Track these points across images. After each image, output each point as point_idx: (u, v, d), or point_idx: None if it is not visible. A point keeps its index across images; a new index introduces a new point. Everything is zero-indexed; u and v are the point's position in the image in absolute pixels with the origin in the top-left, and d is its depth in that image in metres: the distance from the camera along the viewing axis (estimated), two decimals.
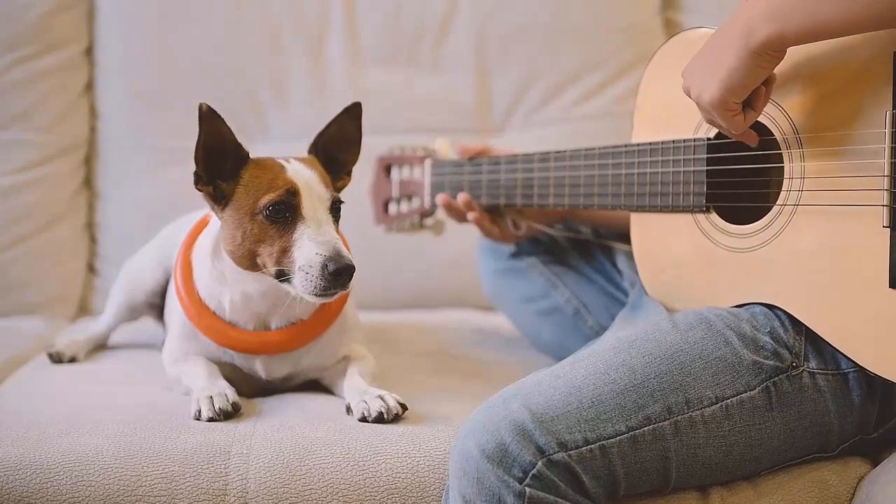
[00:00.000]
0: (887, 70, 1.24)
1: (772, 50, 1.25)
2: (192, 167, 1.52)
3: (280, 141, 2.41)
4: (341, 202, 1.55)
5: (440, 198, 1.88)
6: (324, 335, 1.63)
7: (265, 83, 2.44)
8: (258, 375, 1.63)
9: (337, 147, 1.61)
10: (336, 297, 1.49)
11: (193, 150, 1.50)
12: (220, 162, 1.51)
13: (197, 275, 1.62)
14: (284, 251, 1.48)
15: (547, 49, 2.46)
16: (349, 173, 1.64)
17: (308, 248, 1.46)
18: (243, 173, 1.52)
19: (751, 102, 1.31)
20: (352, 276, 1.46)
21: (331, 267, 1.44)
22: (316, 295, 1.47)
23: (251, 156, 1.55)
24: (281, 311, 1.58)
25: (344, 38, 2.45)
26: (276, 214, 1.49)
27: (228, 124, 1.51)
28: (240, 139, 1.53)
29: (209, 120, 1.48)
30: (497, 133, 2.48)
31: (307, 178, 1.52)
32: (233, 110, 2.42)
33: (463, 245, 2.24)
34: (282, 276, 1.49)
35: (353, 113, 1.61)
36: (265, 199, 1.49)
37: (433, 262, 2.40)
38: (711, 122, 1.37)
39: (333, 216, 1.53)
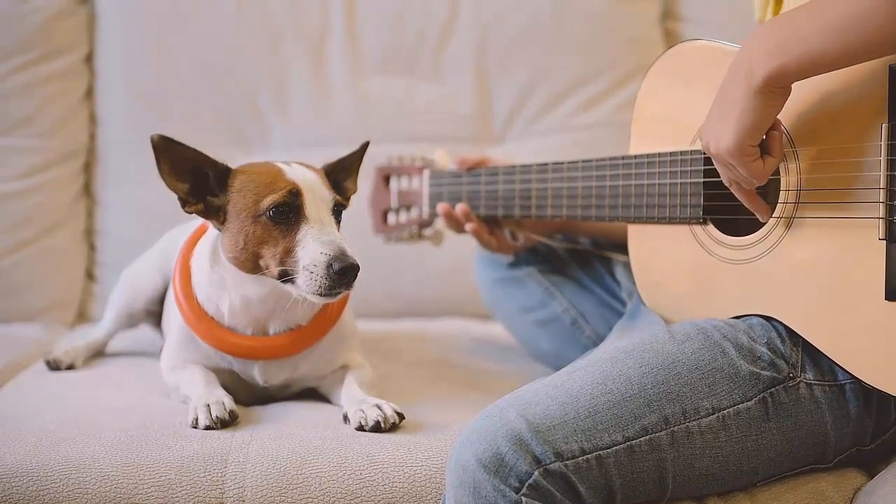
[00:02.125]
0: (883, 83, 1.25)
1: (775, 86, 1.25)
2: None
3: (281, 147, 2.41)
4: (343, 205, 1.56)
5: (440, 206, 1.88)
6: (322, 341, 1.63)
7: (265, 90, 2.44)
8: (256, 382, 1.63)
9: (344, 174, 1.65)
10: (339, 297, 1.50)
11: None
12: (201, 179, 1.52)
13: (196, 280, 1.62)
14: (288, 251, 1.48)
15: (547, 58, 2.46)
16: (347, 199, 1.65)
17: (312, 247, 1.47)
18: (231, 182, 1.53)
19: (767, 148, 1.31)
20: (356, 275, 1.46)
21: (336, 266, 1.44)
22: (320, 294, 1.46)
23: (239, 165, 1.56)
24: (280, 316, 1.58)
25: (344, 44, 2.45)
26: (280, 215, 1.49)
27: (190, 144, 1.51)
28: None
29: (164, 150, 1.50)
30: (497, 142, 2.48)
31: (309, 180, 1.52)
32: (233, 117, 2.43)
33: (461, 254, 2.24)
34: (285, 276, 1.49)
35: (362, 150, 1.67)
36: (268, 201, 1.49)
37: (431, 271, 2.40)
38: (732, 180, 1.35)
39: (335, 218, 1.53)
